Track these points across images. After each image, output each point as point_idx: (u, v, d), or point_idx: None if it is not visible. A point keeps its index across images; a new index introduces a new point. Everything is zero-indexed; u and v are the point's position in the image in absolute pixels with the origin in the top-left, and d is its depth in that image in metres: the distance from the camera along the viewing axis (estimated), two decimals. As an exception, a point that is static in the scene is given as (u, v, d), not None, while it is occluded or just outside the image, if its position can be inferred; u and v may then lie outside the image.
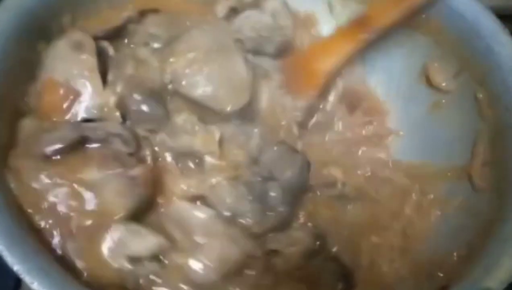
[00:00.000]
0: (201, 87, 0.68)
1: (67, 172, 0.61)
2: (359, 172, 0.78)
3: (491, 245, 0.61)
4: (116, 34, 0.75)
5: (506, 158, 0.69)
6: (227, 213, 0.64)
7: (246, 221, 0.64)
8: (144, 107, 0.68)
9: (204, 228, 0.62)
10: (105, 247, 0.58)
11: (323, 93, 0.79)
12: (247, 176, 0.66)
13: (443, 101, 0.81)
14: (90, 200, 0.60)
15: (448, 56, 0.78)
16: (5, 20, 0.66)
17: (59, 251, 0.58)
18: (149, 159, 0.66)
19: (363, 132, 0.82)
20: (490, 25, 0.73)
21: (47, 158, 0.62)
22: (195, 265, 0.60)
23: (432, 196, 0.76)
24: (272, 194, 0.66)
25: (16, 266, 0.52)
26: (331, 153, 0.79)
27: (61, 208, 0.59)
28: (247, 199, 0.64)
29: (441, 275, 0.66)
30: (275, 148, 0.69)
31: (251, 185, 0.65)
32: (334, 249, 0.70)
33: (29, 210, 0.59)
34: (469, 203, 0.72)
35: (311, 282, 0.66)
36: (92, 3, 0.77)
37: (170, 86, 0.69)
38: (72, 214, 0.59)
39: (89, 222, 0.59)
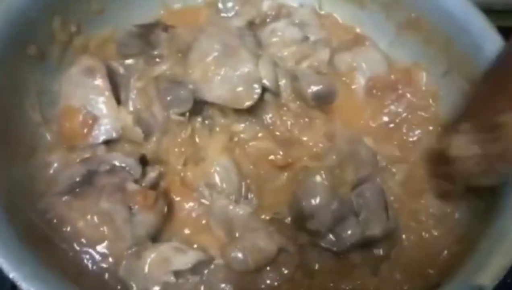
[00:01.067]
0: (218, 91, 0.71)
1: (87, 204, 0.66)
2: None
3: (483, 242, 0.62)
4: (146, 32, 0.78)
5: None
6: (306, 211, 0.66)
7: (314, 226, 0.66)
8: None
9: (243, 223, 0.66)
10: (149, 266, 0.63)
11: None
12: (345, 197, 0.67)
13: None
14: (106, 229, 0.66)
15: (438, 54, 0.79)
16: (-6, 24, 0.66)
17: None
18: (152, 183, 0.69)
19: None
20: (479, 23, 0.74)
21: (67, 194, 0.66)
22: (234, 254, 0.64)
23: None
24: (350, 232, 0.66)
25: (12, 273, 0.53)
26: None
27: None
28: (332, 215, 0.66)
29: (432, 272, 0.67)
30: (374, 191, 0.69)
31: (342, 206, 0.66)
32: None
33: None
34: (460, 201, 0.72)
35: (345, 272, 0.67)
36: (83, 5, 0.78)
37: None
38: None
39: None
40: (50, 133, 0.73)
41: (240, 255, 0.64)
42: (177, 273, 0.63)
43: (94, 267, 0.65)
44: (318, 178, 0.67)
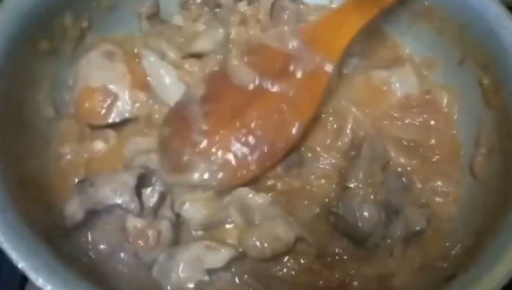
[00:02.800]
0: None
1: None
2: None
3: (497, 234, 0.60)
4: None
5: (512, 145, 0.68)
6: (365, 234, 0.65)
7: (372, 242, 0.66)
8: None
9: (263, 211, 0.66)
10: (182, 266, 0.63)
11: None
12: (381, 198, 0.67)
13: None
14: None
15: (451, 43, 0.77)
16: (5, 20, 0.67)
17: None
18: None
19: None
20: (493, 9, 0.71)
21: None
22: (251, 241, 0.64)
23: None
24: (399, 233, 0.67)
25: (21, 263, 0.53)
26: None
27: None
28: (383, 225, 0.66)
29: (445, 265, 0.66)
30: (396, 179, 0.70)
31: (387, 212, 0.67)
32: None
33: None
34: (474, 193, 0.71)
35: (365, 257, 0.67)
36: (93, 1, 0.78)
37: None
38: None
39: None
40: (62, 125, 0.74)
41: (257, 242, 0.64)
42: (211, 271, 0.63)
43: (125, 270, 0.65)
44: (367, 201, 0.66)
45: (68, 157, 0.73)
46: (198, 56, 0.76)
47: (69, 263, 0.57)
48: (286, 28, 0.77)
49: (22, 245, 0.54)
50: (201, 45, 0.75)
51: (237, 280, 0.65)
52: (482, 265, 0.57)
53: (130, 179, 0.64)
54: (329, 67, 0.71)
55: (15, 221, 0.56)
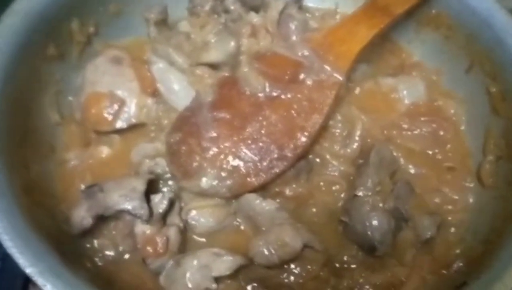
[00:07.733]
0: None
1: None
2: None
3: (506, 240, 0.60)
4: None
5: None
6: (376, 242, 0.64)
7: (382, 251, 0.65)
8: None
9: (270, 218, 0.66)
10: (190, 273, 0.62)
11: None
12: (390, 206, 0.67)
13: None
14: None
15: (459, 51, 0.78)
16: (13, 25, 0.67)
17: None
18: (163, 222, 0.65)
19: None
20: (501, 18, 0.72)
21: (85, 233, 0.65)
22: (259, 248, 0.63)
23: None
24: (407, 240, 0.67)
25: (28, 268, 0.52)
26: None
27: None
28: (392, 233, 0.65)
29: (454, 273, 0.65)
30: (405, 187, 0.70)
31: (396, 220, 0.66)
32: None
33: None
34: (483, 201, 0.71)
35: (374, 266, 0.66)
36: (100, 7, 0.78)
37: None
38: None
39: None
40: (67, 131, 0.74)
41: (264, 249, 0.63)
42: (218, 279, 0.62)
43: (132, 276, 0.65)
44: (376, 209, 0.65)
45: (73, 163, 0.72)
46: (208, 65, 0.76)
47: (75, 268, 0.56)
48: (294, 37, 0.77)
49: (29, 251, 0.54)
50: (212, 56, 0.74)
51: (244, 288, 0.64)
52: (494, 272, 0.57)
53: (139, 185, 0.63)
54: (339, 76, 0.71)
55: (22, 227, 0.56)
